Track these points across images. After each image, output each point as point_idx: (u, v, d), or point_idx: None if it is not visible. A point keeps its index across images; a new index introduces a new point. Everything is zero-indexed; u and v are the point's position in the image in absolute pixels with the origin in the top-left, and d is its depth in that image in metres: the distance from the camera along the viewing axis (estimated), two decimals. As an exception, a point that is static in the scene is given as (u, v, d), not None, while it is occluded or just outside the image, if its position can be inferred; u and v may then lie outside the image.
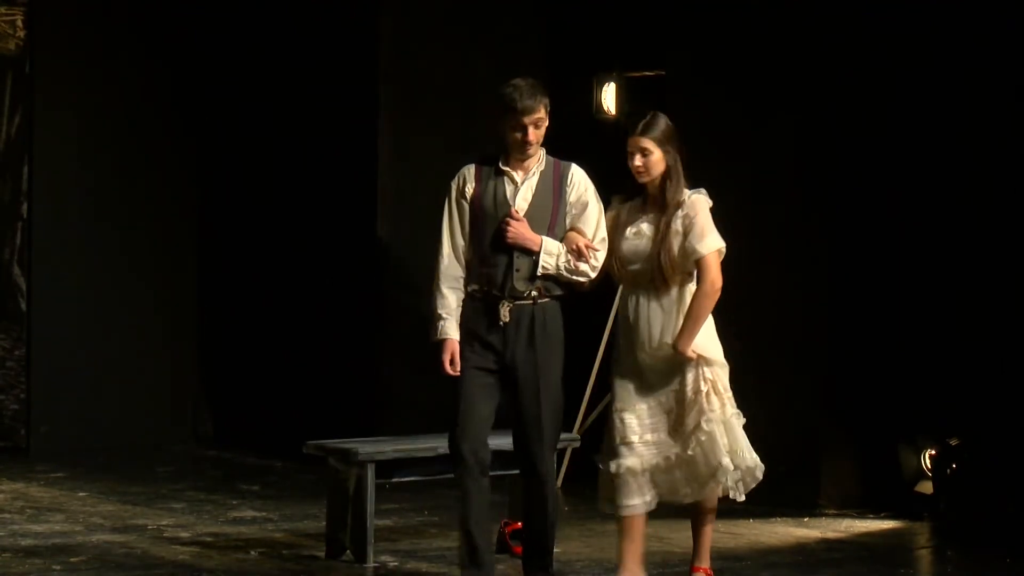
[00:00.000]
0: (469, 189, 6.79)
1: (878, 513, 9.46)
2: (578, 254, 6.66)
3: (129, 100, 11.68)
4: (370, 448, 7.78)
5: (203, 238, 12.14)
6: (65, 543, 8.10)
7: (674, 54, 10.34)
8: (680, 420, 6.68)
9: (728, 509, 9.60)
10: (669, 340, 6.65)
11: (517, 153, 6.75)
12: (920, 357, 9.55)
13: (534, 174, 6.77)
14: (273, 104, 11.81)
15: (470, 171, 6.85)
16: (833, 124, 9.68)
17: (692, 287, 6.76)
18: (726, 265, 9.94)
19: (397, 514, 8.68)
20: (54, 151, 11.39)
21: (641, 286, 6.72)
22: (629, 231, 6.75)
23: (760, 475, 6.83)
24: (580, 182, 6.81)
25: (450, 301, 6.73)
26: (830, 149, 9.68)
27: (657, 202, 6.74)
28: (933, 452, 9.37)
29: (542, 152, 6.82)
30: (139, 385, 11.68)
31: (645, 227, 6.72)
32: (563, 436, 8.58)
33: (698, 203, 6.72)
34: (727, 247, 6.95)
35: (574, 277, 6.72)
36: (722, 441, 6.68)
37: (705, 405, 6.68)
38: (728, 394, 6.80)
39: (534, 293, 6.67)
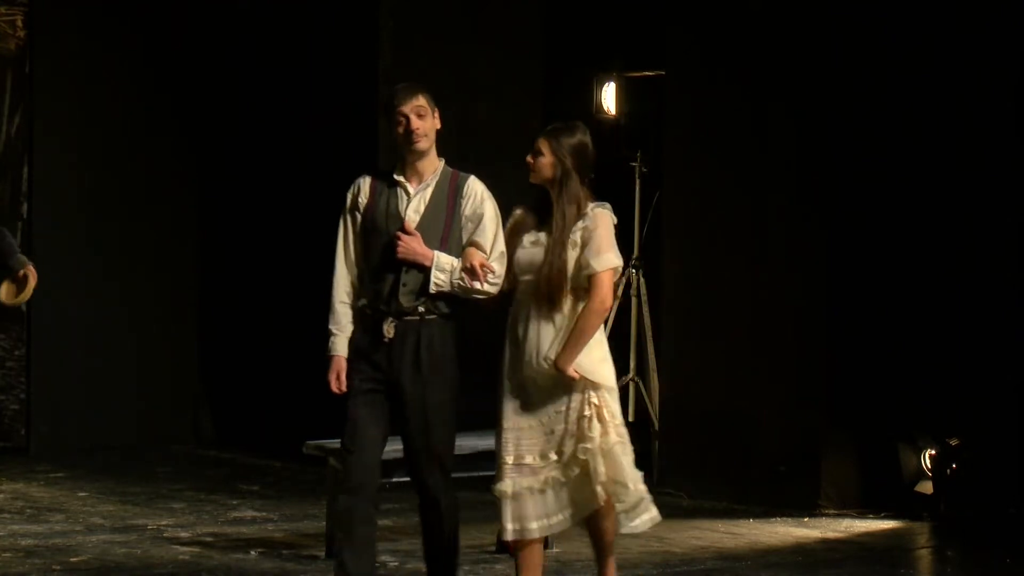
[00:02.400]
0: (362, 200, 6.47)
1: (878, 513, 9.46)
2: (471, 272, 6.27)
3: (129, 100, 11.68)
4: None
5: (203, 238, 12.14)
6: (65, 543, 8.10)
7: (674, 54, 10.34)
8: (562, 443, 6.29)
9: (728, 509, 9.64)
10: (552, 357, 6.26)
11: (407, 153, 6.38)
12: (920, 357, 9.55)
13: (428, 185, 6.39)
14: (273, 104, 11.81)
15: (365, 182, 6.49)
16: (833, 124, 9.67)
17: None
18: (726, 264, 10.02)
19: (397, 514, 8.68)
20: (54, 151, 11.39)
21: (532, 299, 6.35)
22: (527, 239, 6.41)
23: (648, 506, 6.41)
24: (476, 194, 6.40)
25: (340, 317, 6.41)
26: (830, 149, 9.68)
27: (558, 210, 6.39)
28: (933, 452, 9.37)
29: (441, 163, 6.46)
30: (139, 385, 11.67)
31: (543, 236, 6.36)
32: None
33: (600, 217, 6.34)
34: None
35: (469, 295, 6.35)
36: (599, 471, 6.25)
37: (586, 431, 6.25)
38: (616, 420, 6.34)
39: (420, 310, 6.30)
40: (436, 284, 6.28)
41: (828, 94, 9.67)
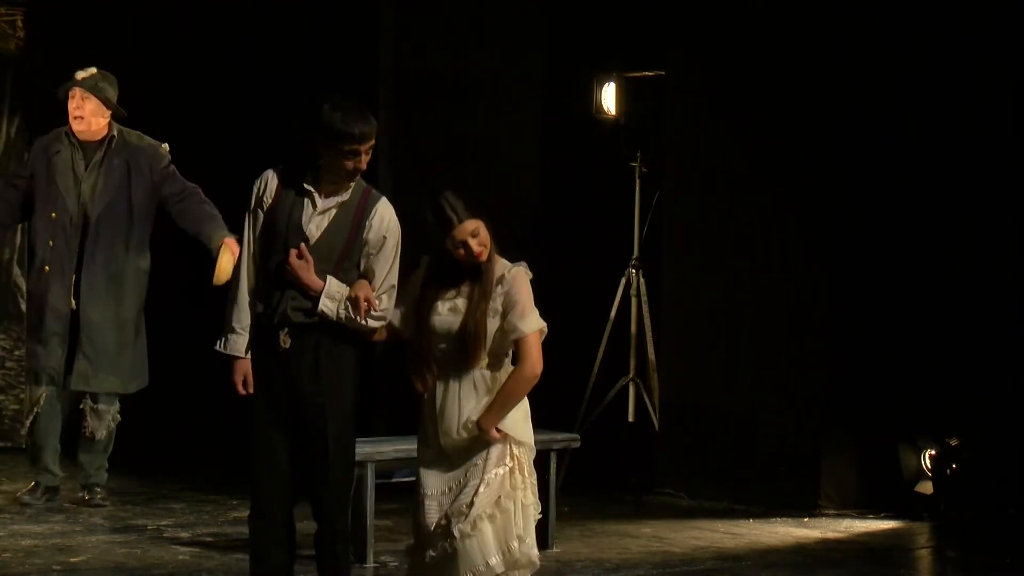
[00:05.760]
0: (267, 199, 6.11)
1: (878, 513, 9.46)
2: (355, 303, 6.00)
3: (129, 100, 11.65)
4: (370, 448, 7.77)
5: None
6: (65, 543, 8.09)
7: (674, 54, 10.35)
8: (476, 492, 5.92)
9: (728, 509, 9.64)
10: (475, 418, 5.92)
11: (338, 178, 6.06)
12: (920, 357, 9.55)
13: (337, 202, 6.08)
14: (273, 104, 11.81)
15: (272, 180, 6.14)
16: (834, 124, 9.68)
17: (509, 370, 6.03)
18: (726, 264, 10.02)
19: (397, 514, 8.66)
20: (54, 151, 11.37)
21: (450, 366, 5.99)
22: (441, 306, 5.99)
23: (532, 573, 6.02)
24: (382, 220, 6.09)
25: (244, 315, 6.11)
26: (831, 148, 9.68)
27: (475, 275, 6.01)
28: (933, 452, 9.38)
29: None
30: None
31: (461, 303, 5.99)
32: (562, 436, 8.63)
33: (518, 279, 6.01)
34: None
35: (353, 326, 6.05)
36: (516, 522, 5.92)
37: (508, 482, 5.94)
38: (532, 479, 6.03)
39: (317, 320, 6.02)
40: (323, 310, 6.02)
41: (828, 94, 9.67)
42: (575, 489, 9.98)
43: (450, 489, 5.99)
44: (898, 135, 9.62)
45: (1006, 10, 9.35)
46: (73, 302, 9.05)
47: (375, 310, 6.03)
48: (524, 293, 6.00)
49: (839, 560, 8.24)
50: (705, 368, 10.06)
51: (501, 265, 6.03)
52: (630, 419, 10.62)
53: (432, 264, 6.07)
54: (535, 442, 6.08)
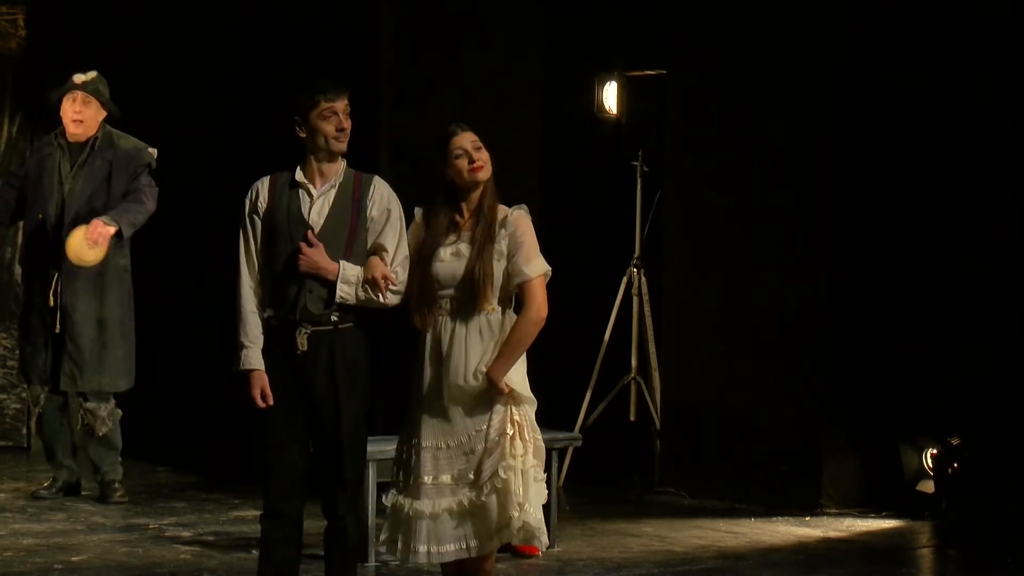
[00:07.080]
0: (261, 204, 6.19)
1: (879, 512, 9.46)
2: (373, 284, 5.99)
3: (129, 100, 11.66)
4: (371, 448, 7.73)
5: (207, 237, 12.12)
6: (67, 542, 8.10)
7: (675, 53, 10.35)
8: (481, 463, 5.94)
9: (729, 508, 9.64)
10: (484, 369, 5.93)
11: (327, 154, 6.14)
12: (920, 357, 9.55)
13: (332, 187, 6.12)
14: (273, 104, 11.79)
15: (264, 184, 6.23)
16: (834, 124, 9.68)
17: (513, 317, 6.03)
18: (727, 263, 10.02)
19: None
20: (55, 151, 11.36)
21: (455, 312, 5.99)
22: (444, 252, 6.02)
23: (543, 539, 6.00)
24: (383, 196, 6.12)
25: (252, 327, 6.10)
26: (831, 148, 9.68)
27: (474, 215, 6.05)
28: (934, 451, 9.38)
29: (343, 163, 6.18)
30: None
31: (464, 247, 6.01)
32: (563, 436, 8.63)
33: (522, 222, 6.04)
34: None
35: (372, 306, 6.06)
36: (516, 491, 5.89)
37: (508, 450, 5.90)
38: (536, 436, 6.01)
39: (333, 318, 6.04)
40: (341, 296, 6.03)
41: (829, 94, 9.67)
42: (576, 489, 9.99)
43: (448, 447, 5.98)
44: (898, 134, 9.62)
45: (1006, 11, 9.35)
46: (52, 299, 9.09)
47: (393, 285, 6.04)
48: (528, 236, 6.04)
49: (840, 559, 8.24)
50: (706, 367, 10.06)
51: (502, 209, 6.04)
52: (631, 418, 10.63)
53: (428, 210, 6.10)
54: None
